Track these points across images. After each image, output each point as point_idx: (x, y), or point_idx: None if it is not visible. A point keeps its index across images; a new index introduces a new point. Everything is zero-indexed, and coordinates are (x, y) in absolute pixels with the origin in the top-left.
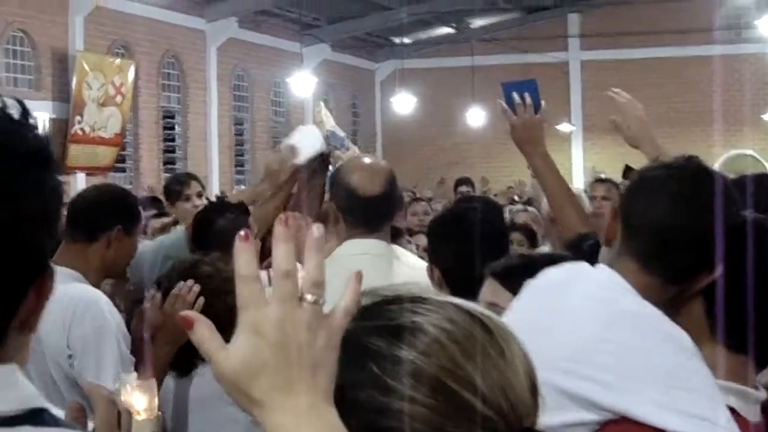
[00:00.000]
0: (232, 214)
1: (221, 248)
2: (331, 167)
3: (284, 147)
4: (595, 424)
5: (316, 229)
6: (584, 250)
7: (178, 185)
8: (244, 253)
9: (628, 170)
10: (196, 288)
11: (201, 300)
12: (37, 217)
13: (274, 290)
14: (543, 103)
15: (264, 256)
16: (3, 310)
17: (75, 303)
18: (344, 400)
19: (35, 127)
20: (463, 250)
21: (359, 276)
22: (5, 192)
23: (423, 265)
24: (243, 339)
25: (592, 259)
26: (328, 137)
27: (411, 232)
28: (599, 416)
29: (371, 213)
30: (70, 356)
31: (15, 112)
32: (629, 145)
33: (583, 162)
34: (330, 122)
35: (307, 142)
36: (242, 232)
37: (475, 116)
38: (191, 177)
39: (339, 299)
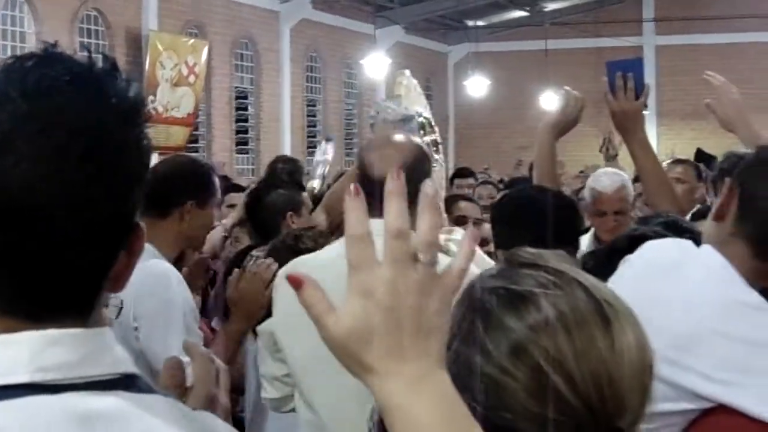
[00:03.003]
0: (284, 190)
1: (271, 221)
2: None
3: None
4: (693, 413)
5: (429, 186)
6: (652, 227)
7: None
8: (354, 210)
9: (700, 154)
10: (274, 266)
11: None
12: (133, 174)
13: (385, 250)
14: (648, 84)
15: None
16: (97, 269)
17: (143, 276)
18: (449, 348)
19: (133, 83)
20: (533, 235)
21: (474, 235)
22: (107, 146)
23: None
24: (353, 302)
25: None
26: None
27: None
28: (699, 405)
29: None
30: (135, 329)
31: (107, 68)
32: (724, 129)
33: (656, 146)
34: (410, 98)
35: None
36: (352, 187)
37: (548, 100)
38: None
39: (453, 260)
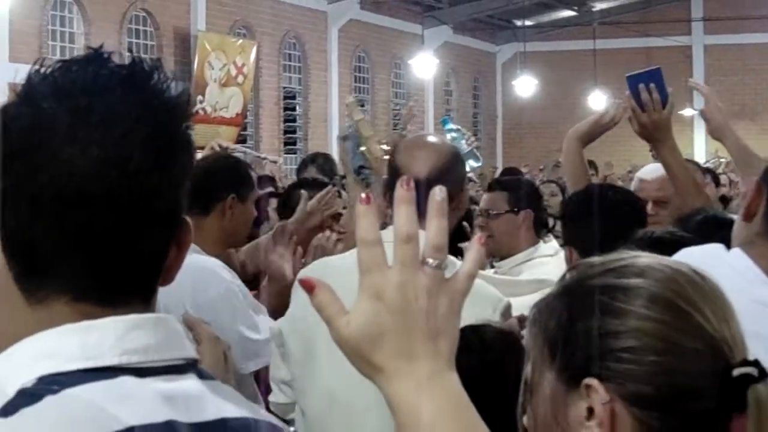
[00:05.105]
0: (310, 188)
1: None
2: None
3: None
4: None
5: (439, 192)
6: (692, 225)
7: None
8: (365, 216)
9: None
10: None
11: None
12: (184, 166)
13: (395, 254)
14: (670, 91)
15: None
16: (158, 257)
17: (191, 274)
18: (567, 340)
19: (179, 81)
20: (601, 229)
21: (482, 239)
22: (163, 138)
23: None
24: (364, 304)
25: (699, 234)
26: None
27: None
28: None
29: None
30: None
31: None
32: (713, 137)
33: (705, 146)
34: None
35: None
36: (363, 195)
37: (597, 100)
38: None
39: (462, 263)
